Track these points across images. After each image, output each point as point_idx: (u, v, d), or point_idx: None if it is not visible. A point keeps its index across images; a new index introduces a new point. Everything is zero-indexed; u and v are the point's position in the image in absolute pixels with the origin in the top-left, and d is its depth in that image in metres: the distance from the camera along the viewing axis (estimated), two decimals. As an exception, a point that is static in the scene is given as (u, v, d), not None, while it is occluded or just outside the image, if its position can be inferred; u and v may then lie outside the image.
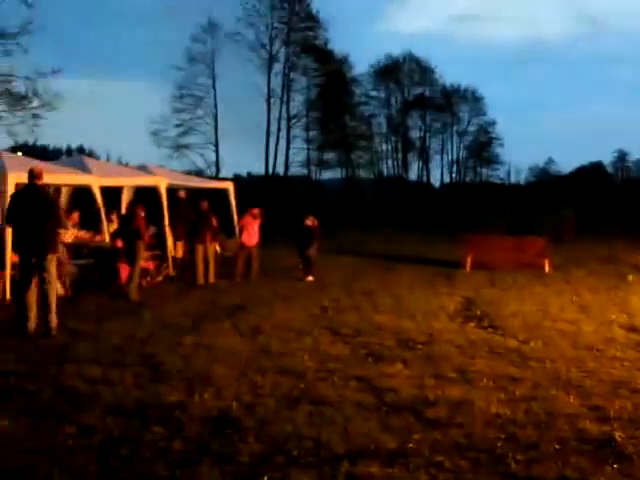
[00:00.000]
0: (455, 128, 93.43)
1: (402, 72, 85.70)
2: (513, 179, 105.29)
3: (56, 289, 11.99)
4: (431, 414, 7.26)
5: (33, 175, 11.60)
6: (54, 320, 11.28)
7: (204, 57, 64.54)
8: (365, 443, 6.33)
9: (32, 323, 11.24)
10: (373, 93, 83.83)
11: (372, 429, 6.74)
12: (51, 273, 11.40)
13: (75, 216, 19.13)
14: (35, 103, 37.53)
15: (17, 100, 37.48)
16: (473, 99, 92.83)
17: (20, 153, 18.85)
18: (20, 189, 12.33)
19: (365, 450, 6.16)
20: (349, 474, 5.69)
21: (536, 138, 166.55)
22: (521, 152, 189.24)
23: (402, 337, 11.44)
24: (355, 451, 6.13)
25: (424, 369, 9.28)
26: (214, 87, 65.15)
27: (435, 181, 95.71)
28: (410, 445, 6.30)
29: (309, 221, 19.96)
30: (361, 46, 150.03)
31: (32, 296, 11.37)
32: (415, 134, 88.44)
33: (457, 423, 6.99)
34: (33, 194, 11.54)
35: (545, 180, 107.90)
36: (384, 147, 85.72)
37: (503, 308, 14.55)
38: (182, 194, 21.42)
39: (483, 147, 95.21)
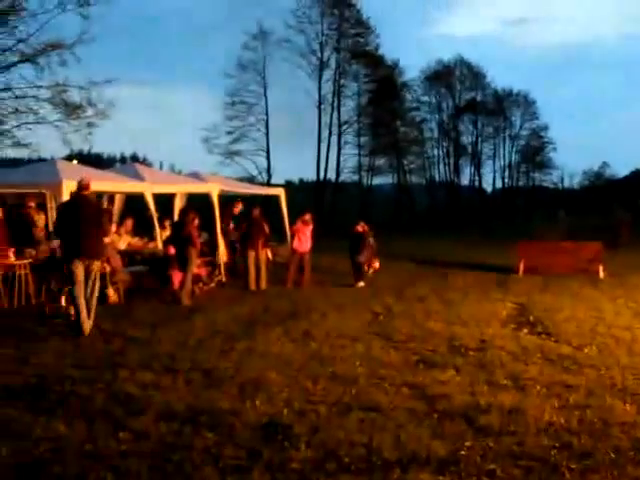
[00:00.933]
0: (507, 133, 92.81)
1: (453, 77, 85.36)
2: (567, 183, 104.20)
3: (102, 294, 13.01)
4: (483, 421, 7.18)
5: (81, 186, 12.31)
6: (91, 317, 12.01)
7: (255, 64, 64.91)
8: (416, 450, 6.29)
9: (86, 325, 11.78)
10: (424, 98, 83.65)
11: (423, 436, 6.69)
12: (96, 277, 12.15)
13: (129, 223, 19.34)
14: (89, 112, 38.11)
15: (72, 109, 38.05)
16: (525, 103, 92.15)
17: (75, 161, 19.07)
18: (68, 199, 12.85)
19: (416, 457, 6.11)
20: (400, 481, 5.65)
21: (590, 141, 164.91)
22: (575, 156, 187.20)
23: (454, 343, 11.36)
24: (406, 458, 6.09)
25: (476, 376, 9.20)
26: (265, 94, 65.46)
27: (487, 186, 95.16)
28: (462, 452, 6.24)
29: (360, 227, 19.94)
30: (412, 51, 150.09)
31: (83, 299, 11.98)
32: (467, 139, 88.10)
33: (510, 431, 6.91)
34: (80, 204, 12.22)
35: (600, 184, 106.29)
36: (435, 152, 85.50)
37: (556, 314, 14.36)
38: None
39: (536, 151, 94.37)
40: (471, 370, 9.55)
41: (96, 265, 12.22)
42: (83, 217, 12.10)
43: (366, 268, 19.92)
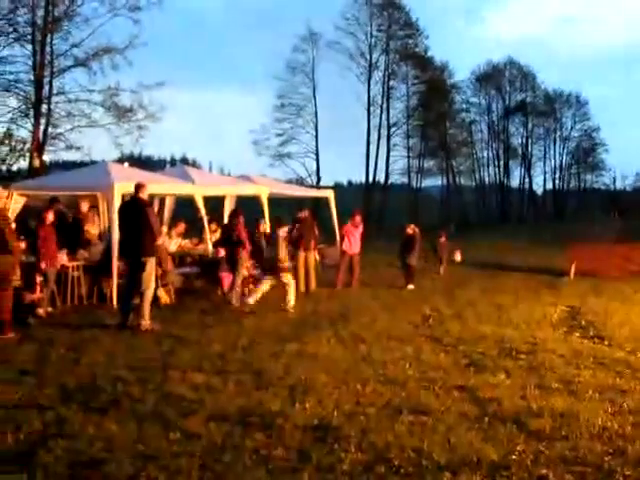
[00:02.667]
0: (558, 134, 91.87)
1: (503, 78, 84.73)
2: (619, 185, 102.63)
3: (153, 292, 13.14)
4: (535, 425, 7.10)
5: (136, 188, 12.89)
6: (146, 318, 12.41)
7: (304, 67, 65.06)
8: (467, 454, 6.24)
9: (132, 320, 12.42)
10: (473, 99, 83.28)
11: (474, 440, 6.64)
12: (147, 275, 12.57)
13: (181, 226, 19.49)
14: (140, 115, 38.58)
15: (123, 112, 38.57)
16: (577, 104, 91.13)
17: (126, 164, 19.28)
18: (125, 201, 13.18)
19: (467, 461, 6.06)
20: (451, 485, 5.62)
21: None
22: (627, 157, 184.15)
23: (505, 346, 11.27)
24: (457, 462, 6.05)
25: (527, 379, 9.11)
26: (314, 96, 65.61)
27: (537, 188, 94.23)
28: (513, 457, 6.18)
29: (410, 229, 19.87)
30: (461, 52, 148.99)
31: (134, 297, 12.69)
32: (517, 140, 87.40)
33: (562, 435, 6.83)
34: (134, 205, 12.77)
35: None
36: (485, 154, 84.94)
37: (609, 318, 14.19)
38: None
39: (587, 153, 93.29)
40: (522, 373, 9.47)
41: (148, 263, 12.54)
42: (137, 218, 12.53)
43: (441, 267, 20.10)
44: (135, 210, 12.69)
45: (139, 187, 12.90)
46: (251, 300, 14.97)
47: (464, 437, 6.71)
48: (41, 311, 13.42)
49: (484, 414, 7.50)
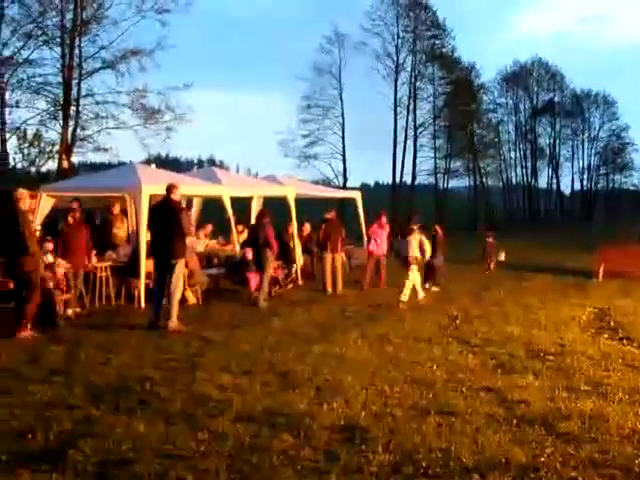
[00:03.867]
0: (586, 134, 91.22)
1: (531, 78, 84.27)
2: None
3: (182, 292, 13.33)
4: (564, 428, 7.06)
5: (168, 189, 12.96)
6: (173, 319, 12.53)
7: (331, 68, 64.90)
8: (495, 455, 6.22)
9: (162, 321, 12.50)
10: (501, 100, 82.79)
11: (502, 441, 6.61)
12: (176, 277, 12.69)
13: (209, 228, 19.58)
14: (168, 116, 38.72)
15: (150, 114, 38.71)
16: (605, 103, 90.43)
17: (153, 165, 19.36)
18: (156, 202, 13.27)
19: (495, 463, 6.04)
20: (479, 487, 5.60)
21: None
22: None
23: (533, 348, 11.21)
24: (485, 463, 6.03)
25: (556, 381, 9.05)
26: (341, 97, 65.41)
27: (565, 189, 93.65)
28: (542, 459, 6.14)
29: (434, 230, 19.82)
30: (489, 52, 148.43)
31: (162, 297, 12.78)
32: (544, 141, 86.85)
33: (591, 438, 6.78)
34: (165, 207, 12.88)
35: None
36: (512, 155, 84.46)
37: (638, 319, 14.07)
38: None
39: (616, 153, 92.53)
40: (550, 375, 9.41)
41: (178, 265, 12.63)
42: (167, 219, 12.67)
43: (488, 264, 21.34)
44: (167, 211, 12.78)
45: (171, 188, 12.97)
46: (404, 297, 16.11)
47: (492, 439, 6.68)
48: (70, 312, 13.53)
49: (512, 416, 7.46)
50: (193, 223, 20.14)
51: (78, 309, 13.96)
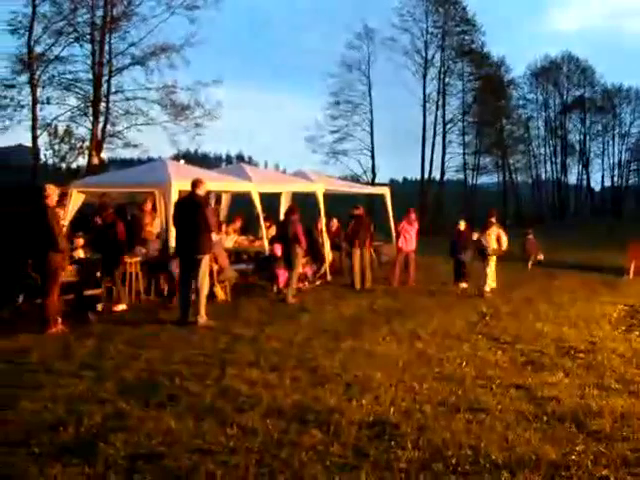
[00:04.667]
0: (617, 130, 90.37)
1: (561, 73, 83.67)
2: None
3: (209, 288, 13.40)
4: (594, 425, 7.02)
5: (194, 185, 12.95)
6: (202, 314, 12.57)
7: (359, 63, 64.84)
8: (525, 453, 6.19)
9: (191, 317, 12.55)
10: (530, 96, 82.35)
11: (532, 439, 6.58)
12: (202, 272, 12.68)
13: (238, 223, 19.62)
14: (197, 113, 38.93)
15: (180, 110, 38.94)
16: (637, 99, 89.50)
17: (182, 161, 19.46)
18: (181, 197, 13.30)
19: (525, 460, 6.01)
20: (509, 484, 5.57)
21: None
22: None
23: (563, 345, 11.15)
24: (515, 461, 6.00)
25: (586, 379, 9.00)
26: (370, 93, 65.35)
27: (595, 185, 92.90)
28: (573, 457, 6.11)
29: (462, 226, 19.74)
30: (518, 47, 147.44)
31: (190, 292, 12.79)
32: (574, 137, 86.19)
33: (623, 436, 6.73)
34: (190, 202, 12.88)
35: None
36: (542, 151, 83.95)
37: (671, 316, 13.96)
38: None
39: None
40: (580, 373, 9.36)
41: (204, 260, 12.65)
42: (192, 214, 12.66)
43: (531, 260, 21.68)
44: (191, 207, 12.78)
45: (197, 183, 12.97)
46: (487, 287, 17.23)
47: (522, 436, 6.66)
48: (100, 307, 13.62)
49: (542, 413, 7.43)
50: (222, 219, 20.28)
51: (123, 306, 14.03)
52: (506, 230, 19.47)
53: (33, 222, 11.59)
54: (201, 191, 12.91)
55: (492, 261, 17.87)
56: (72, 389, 8.08)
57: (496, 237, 17.98)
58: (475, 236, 18.74)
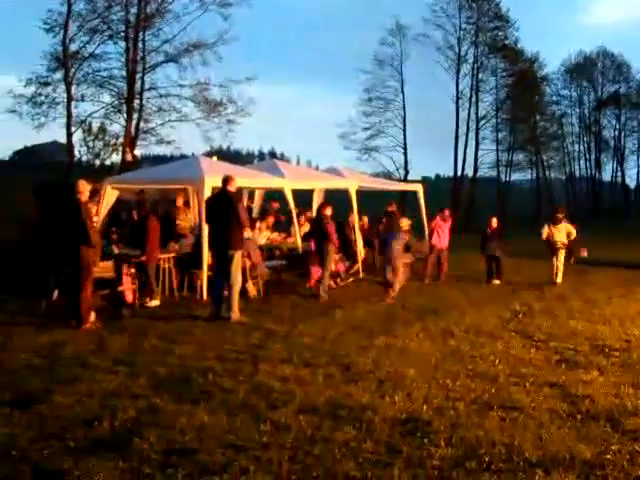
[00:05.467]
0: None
1: (595, 69, 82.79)
2: None
3: (241, 284, 13.36)
4: (630, 425, 6.94)
5: (225, 181, 12.99)
6: (235, 310, 12.62)
7: (392, 60, 64.63)
8: (559, 451, 6.14)
9: (222, 312, 12.64)
10: (564, 92, 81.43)
11: (567, 437, 6.53)
12: (234, 268, 12.71)
13: (270, 220, 19.65)
14: (230, 109, 39.02)
15: (213, 107, 39.06)
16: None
17: (215, 158, 19.49)
18: (213, 194, 13.38)
19: (560, 459, 5.96)
20: (544, 483, 5.53)
21: None
22: None
23: (597, 343, 11.05)
24: (549, 459, 5.95)
25: (621, 377, 8.91)
26: (402, 90, 65.14)
27: (630, 181, 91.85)
28: (608, 456, 6.05)
29: (494, 222, 19.64)
30: (552, 43, 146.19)
31: (223, 289, 12.85)
32: (609, 133, 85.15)
33: (659, 435, 6.66)
34: (222, 198, 12.91)
35: None
36: (576, 147, 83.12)
37: None
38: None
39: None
40: (615, 371, 9.27)
41: (235, 256, 12.65)
42: (224, 211, 12.69)
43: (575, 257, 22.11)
44: (223, 203, 12.81)
45: (228, 180, 12.99)
46: None
47: (556, 434, 6.61)
48: (130, 299, 13.69)
49: (577, 411, 7.37)
50: (255, 215, 20.34)
51: (156, 301, 14.13)
52: (574, 225, 20.12)
53: (66, 218, 11.69)
54: (232, 187, 12.93)
55: (562, 254, 19.30)
56: (106, 384, 8.14)
57: (566, 232, 19.50)
58: (544, 232, 19.56)
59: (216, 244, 12.99)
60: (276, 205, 21.16)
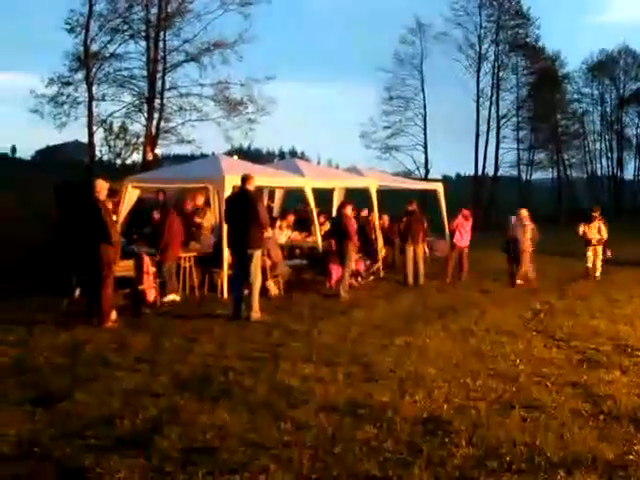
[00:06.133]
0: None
1: (617, 67, 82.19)
2: None
3: (262, 283, 13.42)
4: (653, 425, 6.91)
5: (243, 180, 12.97)
6: (255, 309, 12.63)
7: (412, 59, 64.44)
8: (581, 452, 6.10)
9: (243, 311, 12.60)
10: (586, 90, 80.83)
11: (589, 438, 6.49)
12: (254, 267, 12.71)
13: (290, 218, 19.66)
14: (250, 108, 39.06)
15: (233, 106, 39.11)
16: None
17: (236, 157, 19.55)
18: (232, 193, 13.40)
19: (582, 459, 5.93)
20: (565, 484, 5.51)
21: None
22: None
23: (619, 343, 10.99)
24: (571, 460, 5.92)
25: (644, 377, 8.86)
26: (423, 88, 64.95)
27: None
28: (631, 457, 6.01)
29: (513, 222, 19.53)
30: (573, 41, 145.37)
31: (243, 287, 12.82)
32: (631, 131, 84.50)
33: (683, 436, 6.61)
34: (241, 197, 12.92)
35: None
36: (597, 146, 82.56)
37: None
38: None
39: None
40: (638, 371, 9.21)
41: (255, 255, 12.65)
42: (243, 210, 12.73)
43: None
44: (242, 202, 12.82)
45: (246, 179, 12.98)
46: None
47: (578, 435, 6.57)
48: (152, 298, 13.74)
49: (599, 411, 7.33)
50: (276, 214, 20.36)
51: (173, 296, 14.19)
52: (606, 224, 20.77)
53: (85, 216, 11.75)
54: (251, 186, 12.95)
55: (599, 250, 20.49)
56: (127, 382, 8.18)
57: (597, 229, 20.59)
58: (581, 230, 20.62)
59: (235, 243, 13.01)
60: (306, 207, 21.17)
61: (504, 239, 19.32)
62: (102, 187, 11.92)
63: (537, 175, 75.27)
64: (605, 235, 20.73)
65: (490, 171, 66.59)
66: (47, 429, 6.50)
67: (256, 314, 12.49)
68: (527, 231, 18.75)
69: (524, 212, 19.29)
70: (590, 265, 20.32)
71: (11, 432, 6.37)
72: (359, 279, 17.72)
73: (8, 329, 11.06)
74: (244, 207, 12.72)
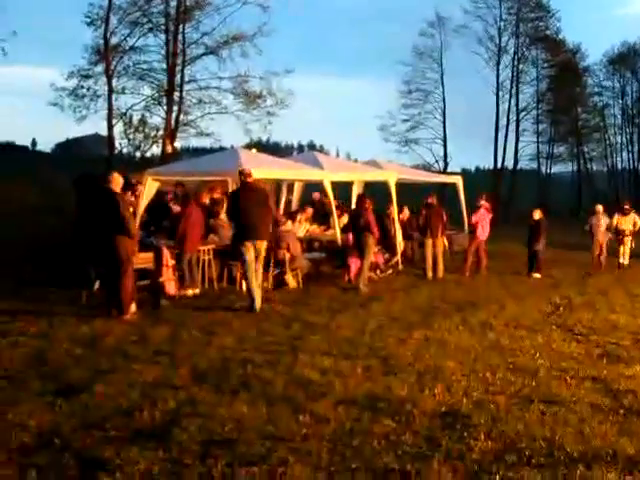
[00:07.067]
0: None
1: (639, 59, 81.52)
2: None
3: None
4: (674, 420, 6.86)
5: (243, 175, 13.13)
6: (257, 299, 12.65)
7: (432, 51, 64.22)
8: (601, 447, 6.08)
9: (258, 302, 12.61)
10: (607, 83, 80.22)
11: (609, 432, 6.46)
12: (262, 258, 12.98)
13: (309, 211, 19.66)
14: (269, 101, 39.07)
15: (252, 99, 39.13)
16: None
17: (254, 150, 19.55)
18: (236, 187, 13.67)
19: (601, 454, 5.90)
20: (585, 479, 5.48)
21: None
22: None
23: (639, 337, 10.94)
24: (591, 454, 5.90)
25: (665, 372, 8.81)
26: (442, 81, 64.72)
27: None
28: (651, 452, 5.98)
29: (536, 215, 19.49)
30: (594, 33, 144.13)
31: (256, 279, 12.82)
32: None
33: (703, 431, 6.56)
34: (245, 190, 13.03)
35: None
36: (618, 139, 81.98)
37: None
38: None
39: None
40: (659, 365, 9.16)
41: (263, 246, 12.85)
42: (249, 202, 12.82)
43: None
44: (247, 195, 12.92)
45: (246, 173, 13.15)
46: None
47: (598, 429, 6.54)
48: (172, 291, 13.78)
49: (619, 406, 7.30)
50: (294, 207, 20.37)
51: (192, 290, 14.24)
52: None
53: (102, 209, 11.78)
54: (250, 179, 13.01)
55: (629, 241, 22.30)
56: (147, 374, 8.19)
57: (632, 222, 22.35)
58: (615, 220, 22.46)
59: (243, 234, 12.98)
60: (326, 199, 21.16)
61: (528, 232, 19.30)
62: (117, 180, 11.95)
63: (557, 168, 74.92)
64: (638, 226, 22.42)
65: (509, 164, 66.36)
66: (67, 420, 6.52)
67: (257, 305, 12.62)
68: (602, 225, 21.90)
69: (599, 207, 22.36)
70: (622, 260, 22.10)
71: (32, 423, 6.40)
72: (378, 272, 17.71)
73: (29, 321, 11.11)
74: (249, 199, 12.85)
